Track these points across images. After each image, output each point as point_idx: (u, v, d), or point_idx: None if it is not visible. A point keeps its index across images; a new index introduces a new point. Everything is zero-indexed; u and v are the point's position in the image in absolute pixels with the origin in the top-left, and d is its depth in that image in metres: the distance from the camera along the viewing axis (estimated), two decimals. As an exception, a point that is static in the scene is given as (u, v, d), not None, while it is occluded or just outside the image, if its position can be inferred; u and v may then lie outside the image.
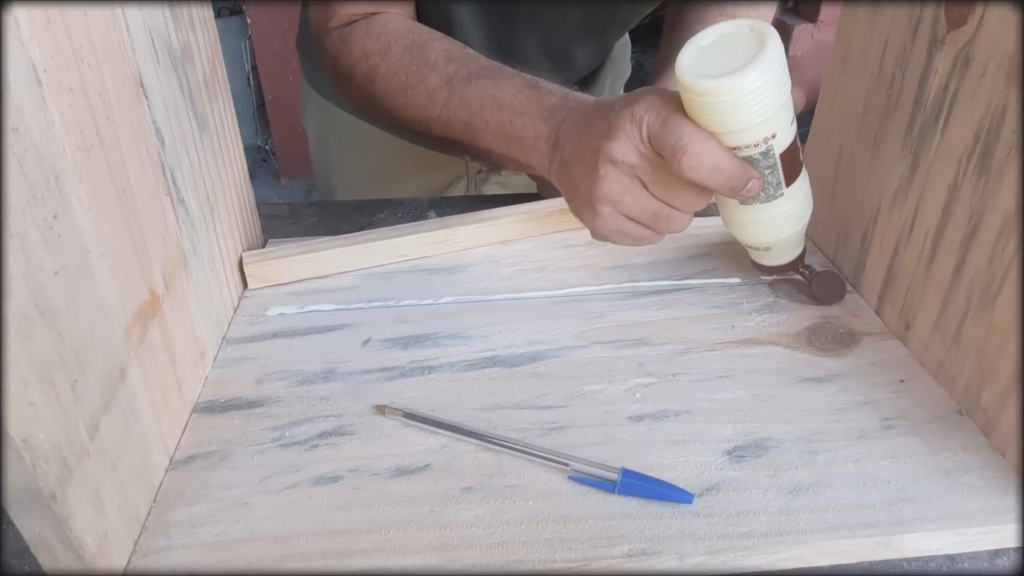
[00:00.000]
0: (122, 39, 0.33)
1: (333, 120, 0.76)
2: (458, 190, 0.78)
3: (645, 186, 0.39)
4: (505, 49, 0.64)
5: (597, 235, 0.44)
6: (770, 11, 0.67)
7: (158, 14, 0.37)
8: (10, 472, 0.25)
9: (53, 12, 0.27)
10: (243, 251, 0.50)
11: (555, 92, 0.46)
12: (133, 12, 0.34)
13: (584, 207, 0.42)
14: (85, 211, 0.29)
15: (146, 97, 0.35)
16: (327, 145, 0.79)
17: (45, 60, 0.27)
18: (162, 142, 0.37)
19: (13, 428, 0.24)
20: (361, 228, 0.54)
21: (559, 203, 0.55)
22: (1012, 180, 0.34)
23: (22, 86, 0.25)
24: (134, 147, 0.34)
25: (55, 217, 0.27)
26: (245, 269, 0.49)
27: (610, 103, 0.41)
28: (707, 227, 0.56)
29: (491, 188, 0.79)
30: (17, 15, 0.25)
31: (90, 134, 0.30)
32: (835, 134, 0.50)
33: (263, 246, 0.53)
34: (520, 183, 0.80)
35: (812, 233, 0.55)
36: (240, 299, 0.49)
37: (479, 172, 0.78)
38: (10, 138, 0.24)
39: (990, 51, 0.35)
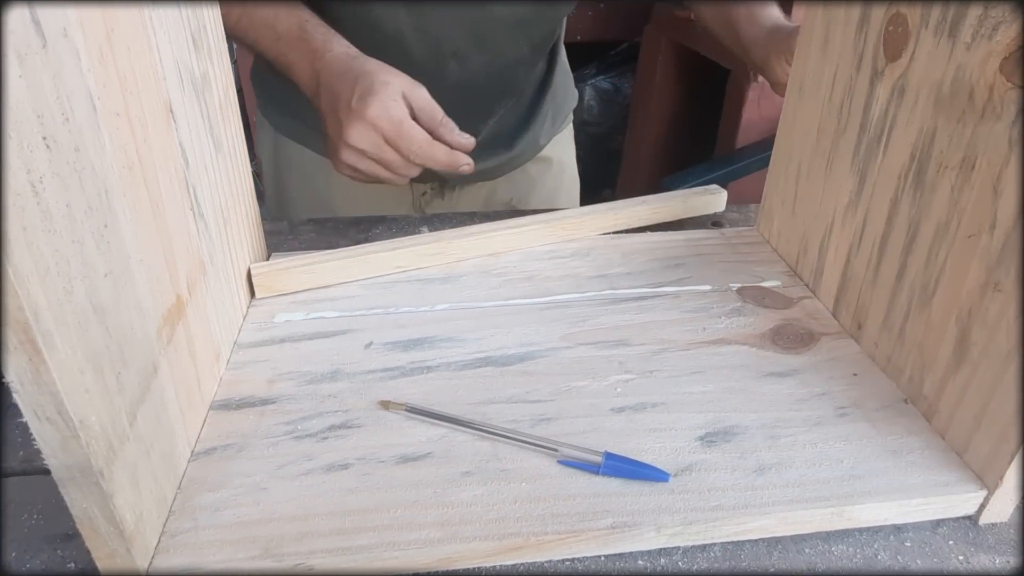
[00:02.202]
0: (156, 69, 0.37)
1: (285, 150, 0.81)
2: (403, 209, 0.82)
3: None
4: (426, 28, 0.67)
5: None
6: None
7: (184, 46, 0.41)
8: (66, 450, 0.28)
9: (105, 46, 0.31)
10: (251, 263, 0.53)
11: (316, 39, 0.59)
12: (165, 44, 0.38)
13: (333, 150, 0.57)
14: (127, 222, 0.33)
15: (174, 121, 0.39)
16: (280, 172, 0.84)
17: (99, 89, 0.30)
18: (186, 162, 0.40)
19: (72, 410, 0.27)
20: (357, 243, 0.58)
21: (543, 218, 0.60)
22: (943, 193, 0.39)
23: (82, 112, 0.29)
24: (164, 166, 0.37)
25: (105, 226, 0.30)
26: (253, 279, 0.52)
27: (352, 83, 0.56)
28: (680, 241, 0.61)
29: (434, 208, 0.83)
30: (78, 48, 0.29)
31: (131, 154, 0.33)
32: (794, 154, 0.55)
33: (267, 259, 0.57)
34: (464, 203, 0.85)
35: (776, 245, 0.59)
36: (248, 307, 0.52)
37: (424, 195, 0.83)
38: (72, 156, 0.28)
39: (921, 81, 0.40)
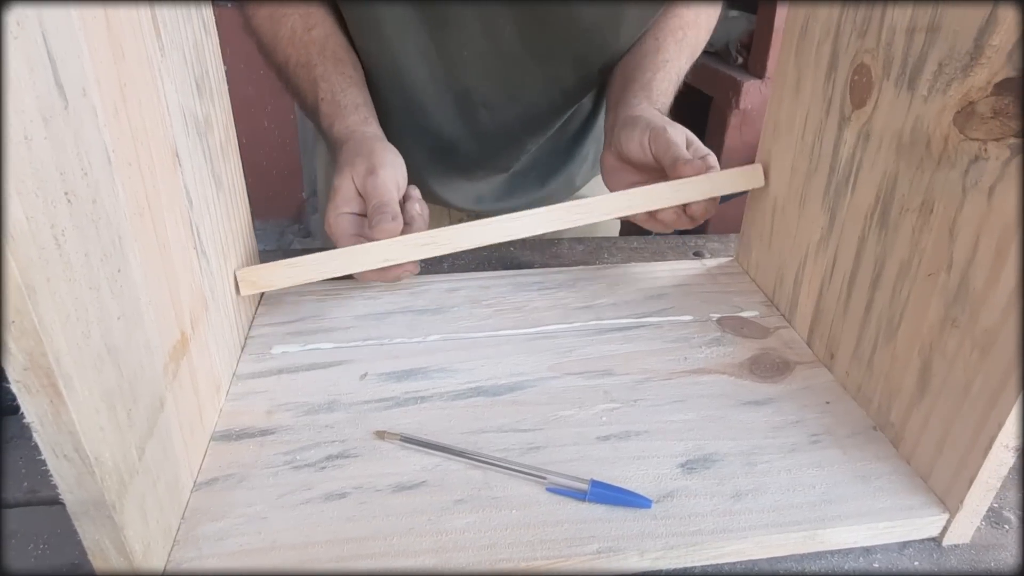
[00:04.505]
0: (164, 117, 0.39)
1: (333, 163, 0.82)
2: None
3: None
4: (454, 79, 0.67)
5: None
6: (715, 10, 0.71)
7: (188, 91, 0.43)
8: (82, 486, 0.30)
9: (119, 101, 0.33)
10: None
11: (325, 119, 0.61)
12: (172, 92, 0.40)
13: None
14: (138, 265, 0.34)
15: (180, 165, 0.41)
16: (330, 179, 0.85)
17: (114, 142, 0.32)
18: (191, 203, 0.42)
19: (88, 447, 0.29)
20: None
21: (539, 212, 0.54)
22: (905, 234, 0.42)
23: (99, 165, 0.31)
24: (171, 208, 0.39)
25: (119, 271, 0.32)
26: (238, 275, 0.51)
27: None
28: (663, 272, 0.63)
29: None
30: (95, 105, 0.31)
31: (142, 200, 0.35)
32: (770, 190, 0.57)
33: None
34: None
35: (754, 276, 0.62)
36: (246, 339, 0.54)
37: (459, 220, 0.84)
38: (89, 208, 0.30)
39: (884, 129, 0.43)
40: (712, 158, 0.56)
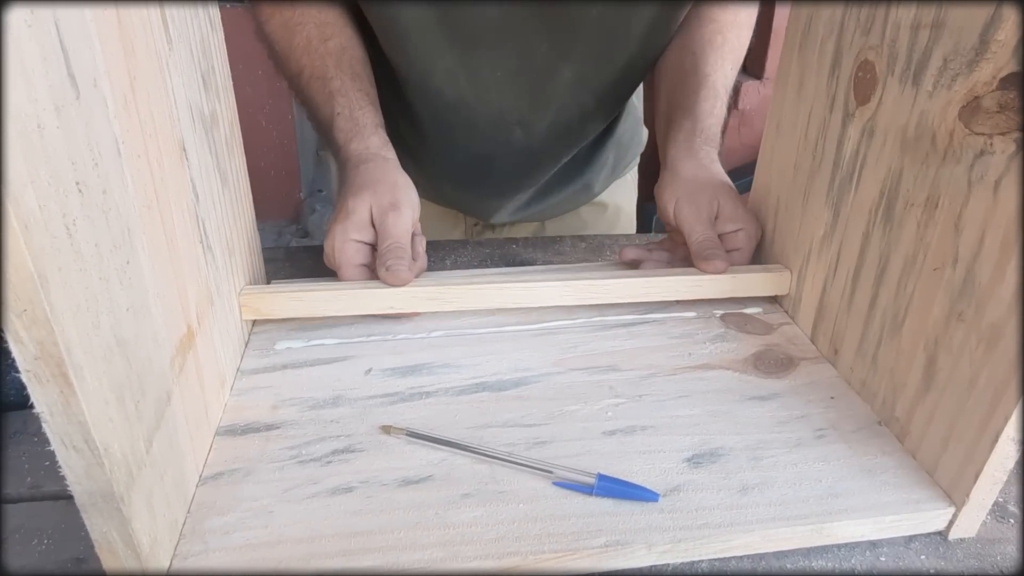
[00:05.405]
0: (171, 111, 0.39)
1: None
2: (456, 235, 0.84)
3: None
4: (488, 100, 0.66)
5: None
6: (751, 11, 0.68)
7: (195, 86, 0.43)
8: (90, 477, 0.30)
9: (129, 93, 0.33)
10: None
11: (339, 136, 0.59)
12: (179, 86, 0.40)
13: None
14: (146, 258, 0.34)
15: (187, 159, 0.41)
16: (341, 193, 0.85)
17: (123, 134, 0.32)
18: (197, 197, 0.42)
19: (97, 438, 0.29)
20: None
21: (556, 274, 0.56)
22: (910, 229, 0.42)
23: (109, 156, 0.31)
24: (178, 202, 0.39)
25: (128, 263, 0.32)
26: (241, 299, 0.51)
27: (340, 200, 0.56)
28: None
29: (484, 237, 0.85)
30: (106, 97, 0.31)
31: (150, 193, 0.35)
32: (772, 188, 0.58)
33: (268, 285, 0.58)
34: (517, 231, 0.86)
35: (757, 273, 0.62)
36: (250, 334, 0.53)
37: (476, 225, 0.84)
38: (100, 199, 0.30)
39: (888, 124, 0.43)
40: (741, 236, 0.56)
